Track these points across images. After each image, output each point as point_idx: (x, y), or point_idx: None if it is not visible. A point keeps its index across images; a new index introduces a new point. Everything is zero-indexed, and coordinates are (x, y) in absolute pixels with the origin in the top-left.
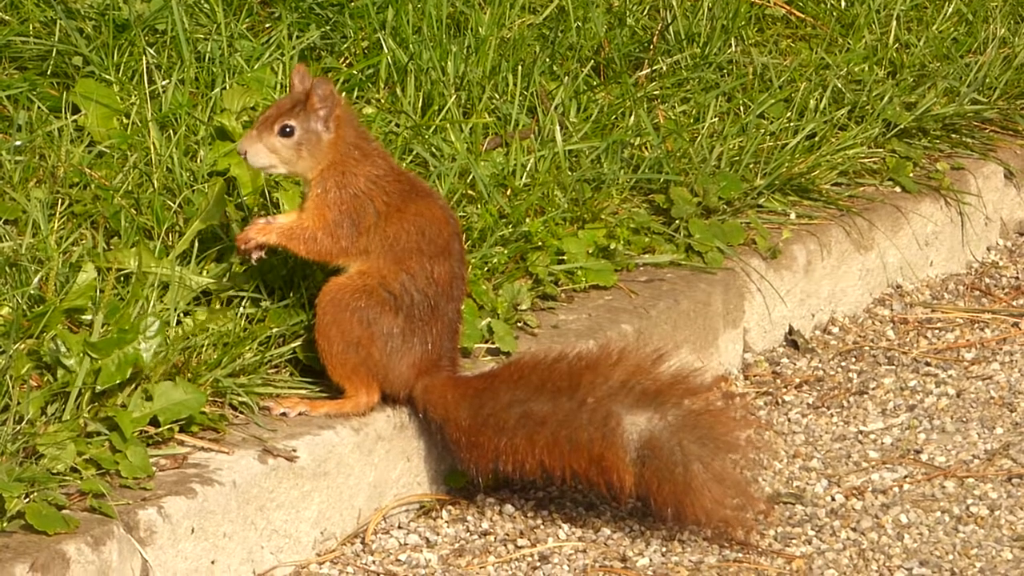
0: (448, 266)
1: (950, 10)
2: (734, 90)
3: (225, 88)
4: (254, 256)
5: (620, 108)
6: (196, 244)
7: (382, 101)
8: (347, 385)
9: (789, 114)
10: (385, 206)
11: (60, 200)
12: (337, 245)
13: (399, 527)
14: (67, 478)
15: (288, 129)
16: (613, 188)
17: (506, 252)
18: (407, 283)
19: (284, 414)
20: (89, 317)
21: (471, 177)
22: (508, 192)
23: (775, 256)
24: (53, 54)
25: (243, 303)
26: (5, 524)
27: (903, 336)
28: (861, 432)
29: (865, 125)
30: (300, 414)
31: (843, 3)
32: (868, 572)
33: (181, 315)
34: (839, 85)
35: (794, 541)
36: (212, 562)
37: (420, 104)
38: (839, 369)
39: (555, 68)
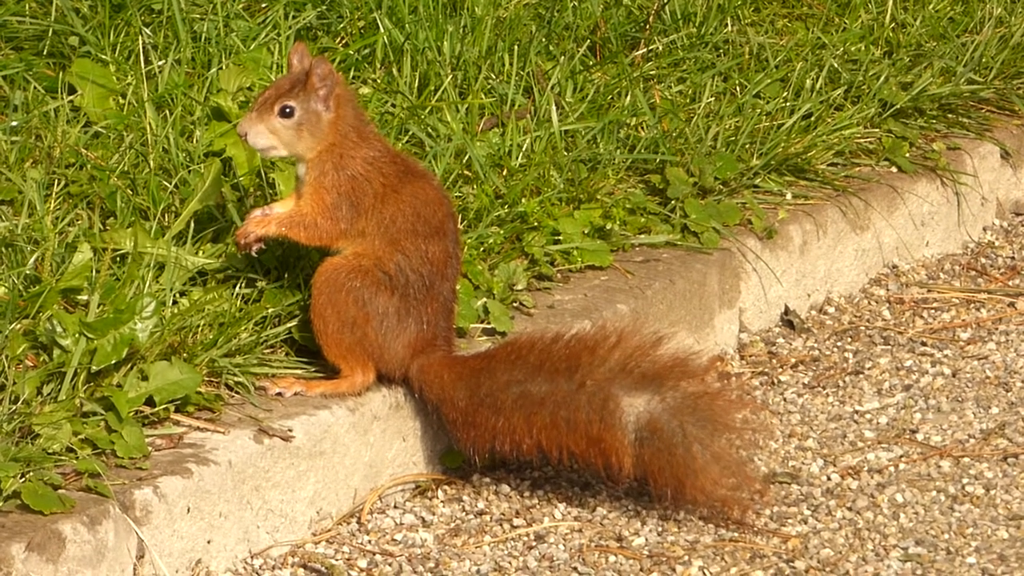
0: (443, 246)
1: None
2: (730, 70)
3: (221, 68)
4: (254, 249)
5: (616, 88)
6: (192, 224)
7: (378, 81)
8: (343, 365)
9: (785, 94)
10: (382, 187)
11: (56, 180)
12: (336, 228)
13: (395, 507)
14: (63, 458)
15: (288, 110)
16: (609, 168)
17: (502, 232)
18: (402, 263)
19: (280, 394)
20: (85, 297)
21: (467, 157)
22: (504, 172)
23: (771, 236)
24: (49, 34)
25: (239, 283)
26: (1, 504)
27: (899, 316)
28: (857, 412)
29: (861, 105)
30: (296, 394)
31: None
32: (864, 551)
33: (177, 295)
34: (835, 65)
35: (790, 520)
36: (208, 541)
37: (416, 84)
38: (835, 349)
39: (551, 48)
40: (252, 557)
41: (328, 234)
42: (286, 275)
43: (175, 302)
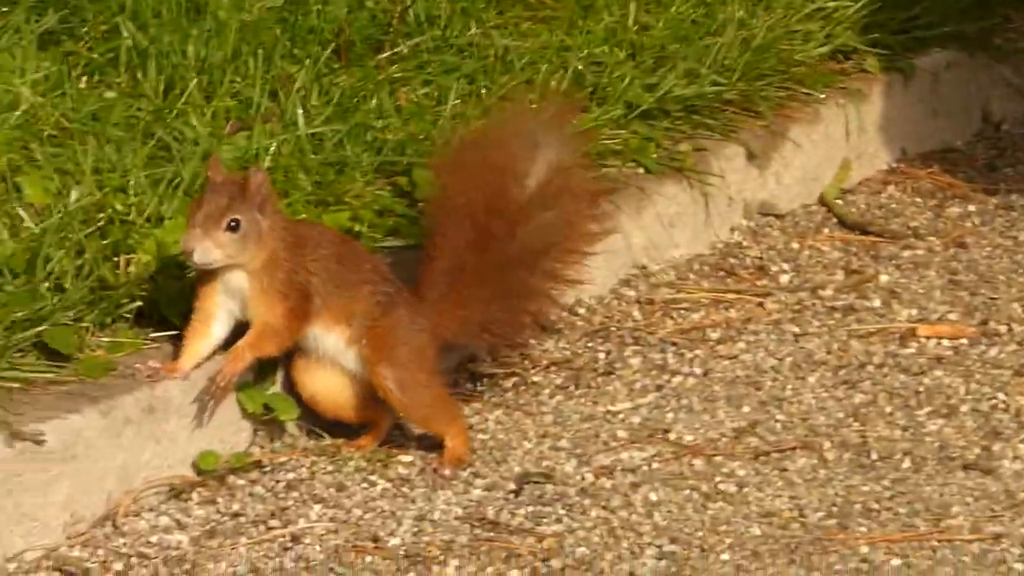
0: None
1: None
2: (476, 72)
3: None
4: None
5: (362, 91)
6: None
7: (123, 85)
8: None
9: (531, 96)
10: (316, 267)
11: None
12: (300, 323)
13: (150, 509)
14: None
15: (235, 223)
16: (357, 171)
17: None
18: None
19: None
20: None
21: None
22: None
23: None
24: None
25: None
26: None
27: (649, 317)
28: (610, 412)
29: (607, 107)
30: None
31: None
32: (619, 549)
33: None
34: (580, 67)
35: (545, 520)
36: None
37: (162, 88)
38: (586, 350)
39: (296, 51)
40: (6, 561)
41: (296, 331)
42: (35, 277)
43: None
